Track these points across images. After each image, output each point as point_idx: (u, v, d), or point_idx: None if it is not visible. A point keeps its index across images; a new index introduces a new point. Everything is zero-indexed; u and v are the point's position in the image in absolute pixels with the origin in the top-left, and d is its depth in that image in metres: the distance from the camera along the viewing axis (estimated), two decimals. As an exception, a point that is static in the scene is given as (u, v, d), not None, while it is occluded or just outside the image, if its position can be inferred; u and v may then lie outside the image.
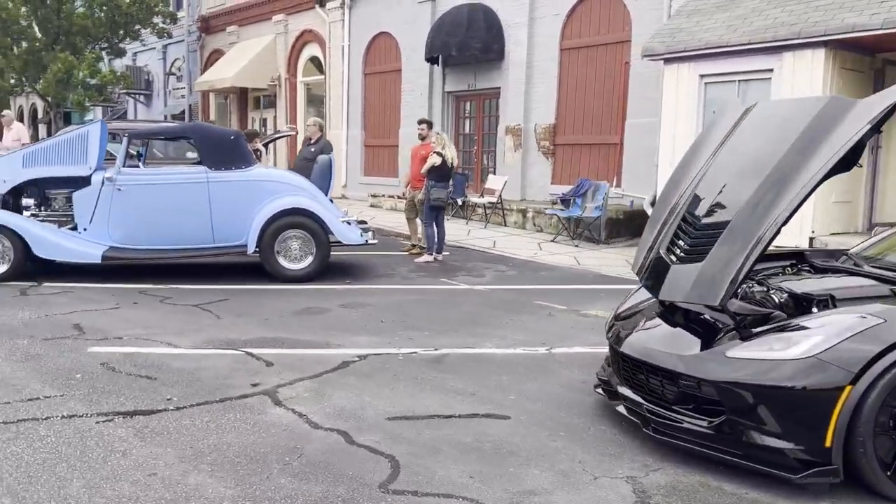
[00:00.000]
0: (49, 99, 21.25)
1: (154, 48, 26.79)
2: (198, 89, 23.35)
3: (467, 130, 16.52)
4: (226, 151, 8.13)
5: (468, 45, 14.82)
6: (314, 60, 20.59)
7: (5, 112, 14.90)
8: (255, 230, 8.04)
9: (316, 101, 21.03)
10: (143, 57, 27.62)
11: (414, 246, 10.51)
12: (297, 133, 18.33)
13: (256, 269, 8.40)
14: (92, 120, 30.57)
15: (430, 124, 10.53)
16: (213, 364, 5.04)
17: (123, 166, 7.98)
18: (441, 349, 5.53)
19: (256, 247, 8.07)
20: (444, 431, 3.89)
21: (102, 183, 7.96)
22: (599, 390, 4.27)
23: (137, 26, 22.32)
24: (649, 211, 11.80)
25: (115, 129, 9.87)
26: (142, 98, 28.33)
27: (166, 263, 8.39)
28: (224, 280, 8.12)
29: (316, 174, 8.77)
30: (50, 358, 5.07)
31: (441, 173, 9.70)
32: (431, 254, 9.81)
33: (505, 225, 13.32)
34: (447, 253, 10.09)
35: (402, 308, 6.99)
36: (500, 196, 13.31)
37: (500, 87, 15.21)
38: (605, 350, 5.53)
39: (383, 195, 16.82)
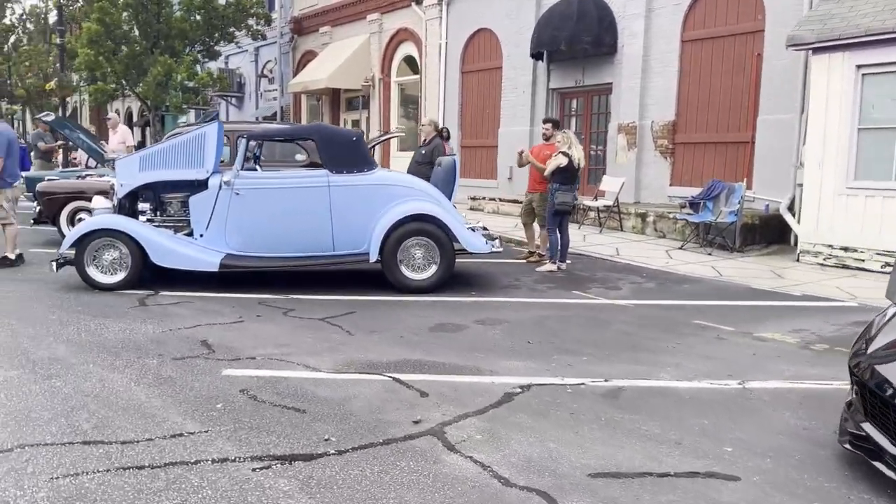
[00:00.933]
0: (148, 101, 21.55)
1: (246, 50, 26.96)
2: (291, 91, 23.28)
3: (574, 129, 15.66)
4: (347, 154, 7.62)
5: (578, 38, 14.02)
6: (409, 60, 20.15)
7: (111, 115, 14.97)
8: (378, 237, 7.50)
9: (410, 102, 20.60)
10: (234, 59, 27.86)
11: (532, 253, 9.82)
12: (404, 134, 17.82)
13: (372, 277, 7.88)
14: (186, 122, 31.11)
15: (555, 123, 9.80)
16: (362, 392, 4.47)
17: (241, 169, 7.57)
18: (611, 380, 4.81)
19: (378, 255, 7.53)
20: (667, 497, 3.18)
21: (220, 187, 7.57)
22: (848, 446, 3.46)
23: (232, 28, 22.42)
24: (787, 217, 10.75)
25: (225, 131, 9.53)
26: (233, 100, 28.58)
27: (281, 272, 7.95)
28: (342, 290, 7.62)
29: (439, 177, 8.18)
30: (184, 382, 4.61)
31: (567, 175, 8.97)
32: (555, 262, 9.09)
33: (621, 230, 12.47)
34: (569, 261, 9.34)
35: (544, 326, 6.31)
36: (617, 199, 12.46)
37: (611, 83, 14.35)
38: (813, 386, 4.75)
39: (483, 197, 16.19)
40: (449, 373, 4.95)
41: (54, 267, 7.35)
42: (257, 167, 7.91)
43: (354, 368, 4.99)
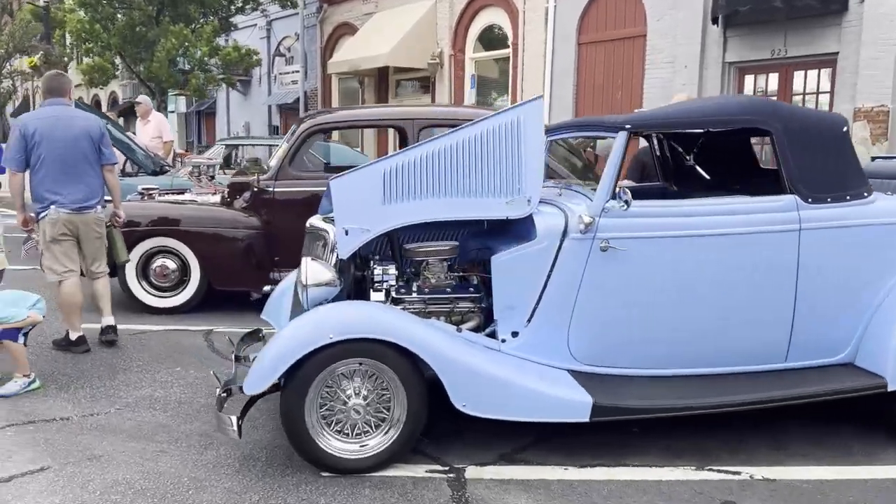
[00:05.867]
0: (151, 85, 17.03)
1: (255, 25, 22.55)
2: (333, 71, 18.93)
3: (759, 116, 11.95)
4: (831, 162, 3.70)
5: (800, -8, 10.30)
6: (491, 31, 16.15)
7: (140, 98, 10.62)
8: (901, 335, 3.60)
9: (491, 84, 16.60)
10: (239, 36, 23.26)
11: None
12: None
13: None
14: (175, 111, 26.30)
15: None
16: None
17: (622, 201, 3.55)
18: None
19: (895, 372, 3.62)
20: None
21: (563, 235, 3.58)
22: None
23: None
24: None
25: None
26: (238, 85, 24.05)
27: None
28: (794, 444, 3.73)
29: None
30: None
31: None
32: None
33: None
34: None
35: None
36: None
37: (835, 53, 10.63)
38: None
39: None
40: None
41: (234, 426, 3.23)
42: (626, 196, 3.85)
43: None
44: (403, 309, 3.73)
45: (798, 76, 11.38)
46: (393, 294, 3.80)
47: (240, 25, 22.20)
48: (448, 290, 3.84)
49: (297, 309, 3.95)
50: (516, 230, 3.76)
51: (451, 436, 3.69)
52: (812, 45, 10.90)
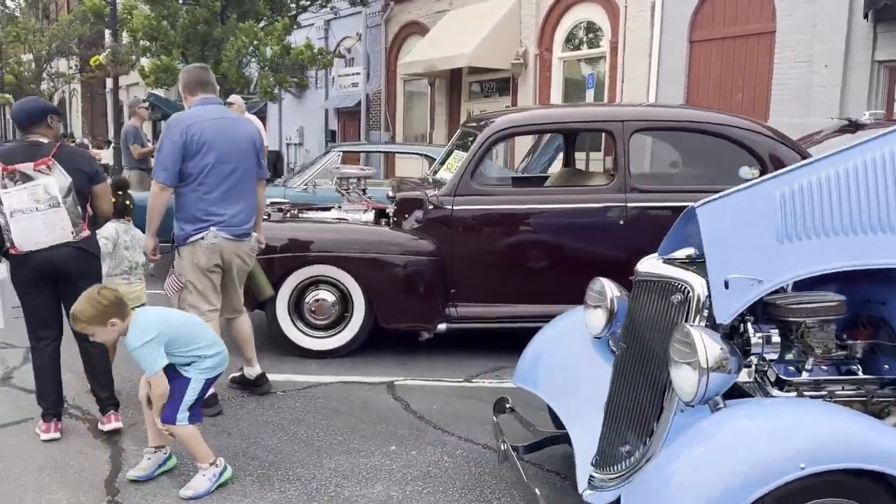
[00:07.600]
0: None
1: (313, 24, 21.50)
2: (405, 72, 17.82)
3: (914, 122, 10.68)
4: None
5: None
6: (583, 29, 14.97)
7: (233, 98, 9.53)
8: None
9: (578, 86, 15.41)
10: (294, 37, 22.29)
11: None
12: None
13: None
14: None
15: None
16: None
17: None
18: None
19: None
20: None
21: None
22: None
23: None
24: None
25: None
26: (292, 87, 23.01)
27: None
28: None
29: None
30: None
31: None
32: None
33: None
34: None
35: None
36: None
37: None
38: None
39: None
40: None
41: None
42: None
43: None
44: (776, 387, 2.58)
45: (966, 77, 10.11)
46: (773, 372, 2.61)
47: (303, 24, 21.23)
48: (855, 366, 2.66)
49: (620, 389, 2.79)
50: None
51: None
52: None
